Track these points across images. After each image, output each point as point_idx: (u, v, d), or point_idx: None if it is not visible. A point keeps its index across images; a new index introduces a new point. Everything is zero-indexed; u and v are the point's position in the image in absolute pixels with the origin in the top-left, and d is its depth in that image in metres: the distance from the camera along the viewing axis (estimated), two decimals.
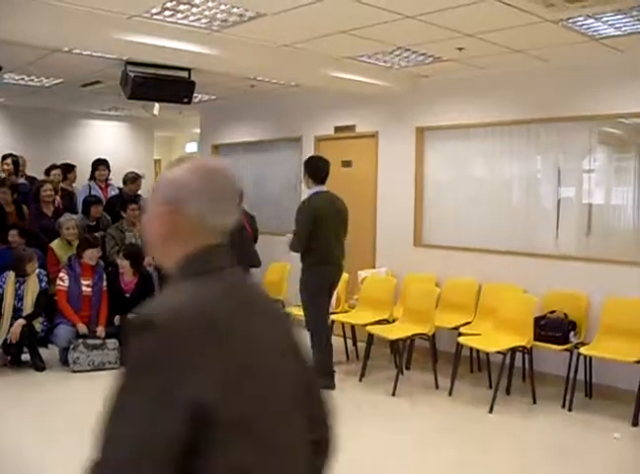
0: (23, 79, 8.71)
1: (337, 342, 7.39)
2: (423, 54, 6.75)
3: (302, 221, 6.34)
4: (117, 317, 7.25)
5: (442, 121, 7.74)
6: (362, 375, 6.71)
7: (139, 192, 9.46)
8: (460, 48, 6.38)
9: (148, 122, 12.97)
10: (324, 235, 6.35)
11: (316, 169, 6.58)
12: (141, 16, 5.51)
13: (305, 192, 7.02)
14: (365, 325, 6.84)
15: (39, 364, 6.97)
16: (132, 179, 9.27)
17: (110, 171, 9.46)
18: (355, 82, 7.49)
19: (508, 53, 6.47)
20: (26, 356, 7.10)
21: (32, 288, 7.08)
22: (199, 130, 11.96)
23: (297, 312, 6.42)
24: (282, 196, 9.47)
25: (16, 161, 9.10)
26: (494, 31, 5.70)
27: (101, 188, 9.26)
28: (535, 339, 6.14)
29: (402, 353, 6.72)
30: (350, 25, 5.68)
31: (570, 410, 5.93)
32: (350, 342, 7.70)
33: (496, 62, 6.88)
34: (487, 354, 6.55)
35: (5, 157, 9.08)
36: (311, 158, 6.88)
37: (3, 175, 8.85)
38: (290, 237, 6.40)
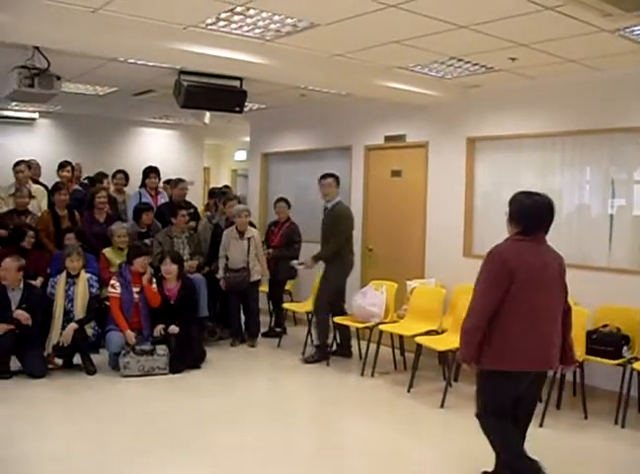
0: (78, 88, 8.88)
1: (385, 352, 7.41)
2: (475, 64, 6.73)
3: (346, 226, 7.70)
4: (159, 328, 7.28)
5: (493, 132, 7.68)
6: (411, 386, 6.67)
7: (187, 197, 9.57)
8: (513, 58, 6.34)
9: (198, 131, 13.14)
10: (351, 239, 7.82)
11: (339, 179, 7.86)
12: (196, 26, 5.60)
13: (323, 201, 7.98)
14: (414, 336, 6.79)
15: (90, 368, 7.06)
16: (175, 183, 9.37)
17: (160, 179, 9.57)
18: (406, 92, 7.50)
19: (561, 63, 6.41)
20: (77, 360, 7.20)
21: (82, 292, 7.17)
22: (247, 139, 12.06)
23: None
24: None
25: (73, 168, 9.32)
26: (548, 40, 5.66)
27: (151, 195, 9.36)
28: (587, 353, 6.04)
29: (451, 364, 6.66)
30: (403, 35, 5.69)
31: (623, 426, 5.81)
32: (398, 352, 7.66)
33: (548, 72, 6.83)
34: None
35: (64, 165, 9.26)
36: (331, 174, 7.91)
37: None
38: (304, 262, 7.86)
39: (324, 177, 7.89)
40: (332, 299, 7.86)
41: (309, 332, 8.22)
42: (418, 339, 6.68)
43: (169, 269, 7.49)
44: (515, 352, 4.05)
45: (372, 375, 7.22)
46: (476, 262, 7.50)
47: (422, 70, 7.10)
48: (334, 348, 7.96)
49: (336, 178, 7.90)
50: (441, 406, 6.18)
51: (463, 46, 6.03)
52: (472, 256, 7.82)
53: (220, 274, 8.39)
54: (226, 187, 10.19)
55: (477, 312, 4.10)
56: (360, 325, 7.48)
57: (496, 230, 7.56)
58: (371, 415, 6.11)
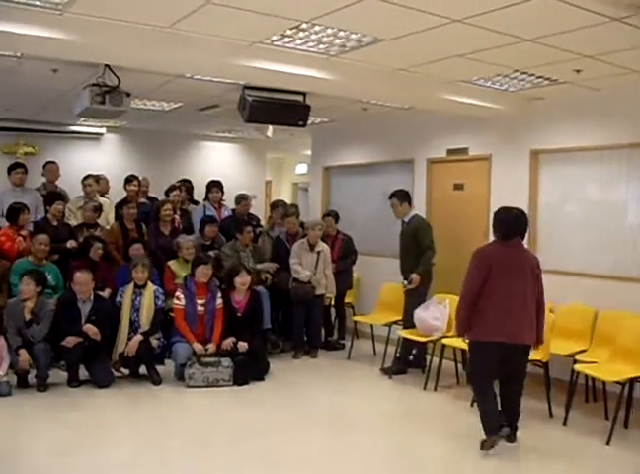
0: (145, 104, 9.08)
1: (447, 365, 7.38)
2: (539, 77, 6.68)
3: (431, 236, 7.78)
4: (228, 341, 7.37)
5: (557, 144, 7.59)
6: (474, 400, 6.61)
7: (250, 211, 9.70)
8: (578, 70, 6.28)
9: (260, 144, 13.26)
10: None
11: (409, 195, 7.99)
12: (262, 42, 5.68)
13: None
14: None
15: (155, 378, 7.19)
16: (237, 200, 9.50)
17: (223, 193, 9.69)
18: (468, 105, 7.48)
19: (626, 74, 6.34)
20: (143, 370, 7.34)
21: (148, 303, 7.31)
22: (309, 152, 12.14)
23: None
24: (392, 217, 9.34)
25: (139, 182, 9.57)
26: (614, 52, 5.61)
27: (215, 208, 9.51)
28: None
29: None
30: (467, 49, 5.70)
31: None
32: (460, 366, 7.62)
33: (613, 84, 6.74)
34: (604, 383, 6.36)
35: (131, 179, 9.48)
36: (401, 189, 8.11)
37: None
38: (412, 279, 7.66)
39: (389, 198, 8.05)
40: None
41: (379, 343, 8.19)
42: None
43: (245, 280, 7.59)
44: (490, 327, 5.30)
45: (435, 389, 7.19)
46: (542, 276, 7.50)
47: (485, 83, 7.08)
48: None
49: (399, 196, 7.97)
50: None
51: (528, 59, 6.00)
52: None
53: (302, 276, 8.51)
54: (281, 202, 10.26)
55: (465, 294, 5.44)
56: (423, 338, 7.46)
57: (560, 243, 7.57)
58: (434, 429, 6.07)
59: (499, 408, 5.50)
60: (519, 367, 5.56)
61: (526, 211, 7.64)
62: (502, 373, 5.54)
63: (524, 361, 5.61)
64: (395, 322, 8.26)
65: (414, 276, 7.65)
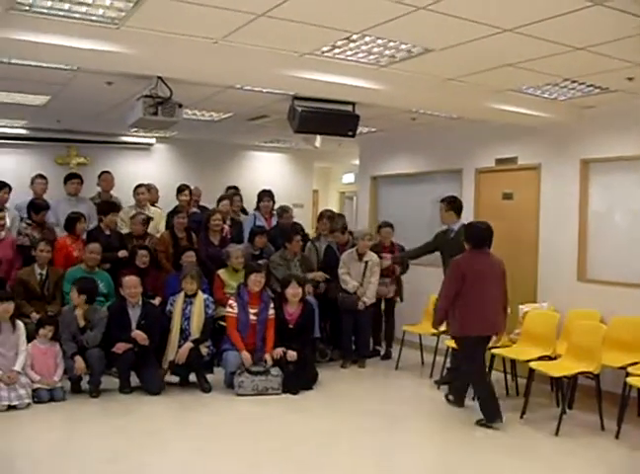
0: (195, 114, 9.21)
1: (496, 376, 7.32)
2: (590, 86, 6.64)
3: None
4: (278, 350, 7.39)
5: (608, 153, 7.50)
6: (524, 412, 6.56)
7: (298, 220, 9.76)
8: (630, 78, 6.21)
9: (308, 154, 13.34)
10: None
11: (461, 206, 7.94)
12: (312, 53, 5.74)
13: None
14: (527, 361, 6.69)
15: (205, 386, 7.26)
16: (279, 213, 9.54)
17: (274, 202, 9.77)
18: (518, 114, 7.45)
19: None
20: (193, 377, 7.42)
21: (198, 312, 7.39)
22: (356, 162, 12.17)
23: None
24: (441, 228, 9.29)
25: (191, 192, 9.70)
26: None
27: (265, 218, 9.58)
28: None
29: (566, 391, 6.52)
30: (517, 58, 5.69)
31: None
32: (509, 377, 7.56)
33: None
34: None
35: (182, 189, 9.60)
36: (455, 197, 8.06)
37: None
38: None
39: (440, 201, 8.01)
40: None
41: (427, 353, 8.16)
42: (532, 364, 6.57)
43: (296, 291, 7.63)
44: (468, 323, 6.31)
45: None
46: (591, 286, 7.45)
47: (534, 92, 7.05)
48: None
49: (447, 202, 7.92)
50: (556, 434, 6.05)
51: (579, 68, 5.97)
52: (587, 280, 7.65)
53: (349, 287, 8.56)
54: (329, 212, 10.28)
55: (443, 298, 6.47)
56: None
57: (610, 254, 7.47)
58: (484, 441, 6.04)
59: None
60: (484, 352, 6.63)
61: (576, 221, 7.70)
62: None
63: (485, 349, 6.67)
64: (444, 332, 8.22)
65: None
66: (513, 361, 7.46)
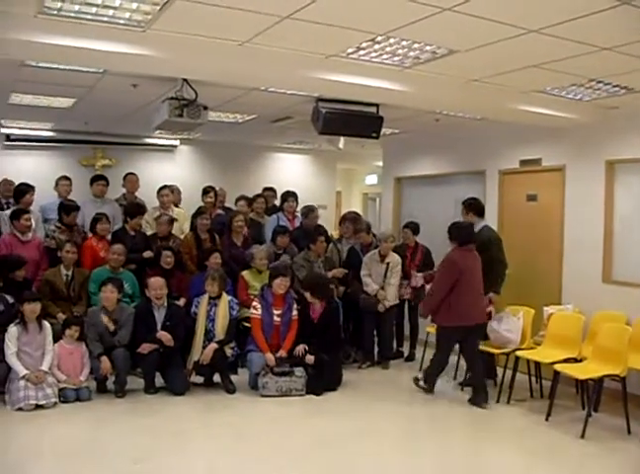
0: (219, 116, 9.25)
1: (521, 378, 7.30)
2: (615, 86, 6.58)
3: (497, 249, 7.66)
4: (300, 348, 7.42)
5: (634, 154, 7.42)
6: (549, 414, 6.53)
7: (321, 222, 9.78)
8: None
9: (331, 155, 13.35)
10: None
11: (481, 207, 7.95)
12: (337, 55, 5.75)
13: None
14: (552, 363, 6.66)
15: (229, 387, 7.30)
16: (304, 212, 9.56)
17: (298, 203, 9.79)
18: (542, 115, 7.41)
19: None
20: (217, 378, 7.46)
21: (222, 313, 7.42)
22: (379, 163, 12.16)
23: None
24: None
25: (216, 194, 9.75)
26: None
27: (289, 219, 9.60)
28: None
29: (592, 394, 6.48)
30: (543, 59, 5.66)
31: None
32: (534, 379, 7.52)
33: None
34: None
35: (207, 190, 9.65)
36: (474, 199, 8.05)
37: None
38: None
39: (462, 203, 8.01)
40: None
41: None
42: (557, 366, 6.54)
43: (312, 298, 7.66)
44: (459, 313, 6.92)
45: (508, 402, 7.11)
46: (617, 288, 7.40)
47: (559, 93, 7.01)
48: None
49: (466, 204, 7.93)
50: (582, 436, 6.01)
51: (605, 68, 5.92)
52: (612, 282, 7.59)
53: (370, 289, 8.57)
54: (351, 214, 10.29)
55: (438, 291, 7.06)
56: (497, 350, 7.40)
57: (637, 255, 7.41)
58: (509, 443, 6.03)
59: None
60: (475, 343, 7.24)
61: (602, 222, 7.65)
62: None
63: (480, 337, 7.31)
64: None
65: (493, 297, 7.59)
66: (537, 364, 7.42)
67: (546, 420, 6.50)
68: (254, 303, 7.53)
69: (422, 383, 7.50)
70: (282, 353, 7.39)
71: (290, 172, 13.29)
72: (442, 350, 7.30)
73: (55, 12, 4.73)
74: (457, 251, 7.07)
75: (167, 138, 11.96)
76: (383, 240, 8.64)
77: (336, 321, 7.87)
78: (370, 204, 16.93)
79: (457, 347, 7.66)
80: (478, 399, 7.02)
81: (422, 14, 4.60)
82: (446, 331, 7.13)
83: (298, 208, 9.83)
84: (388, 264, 8.60)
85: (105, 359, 6.90)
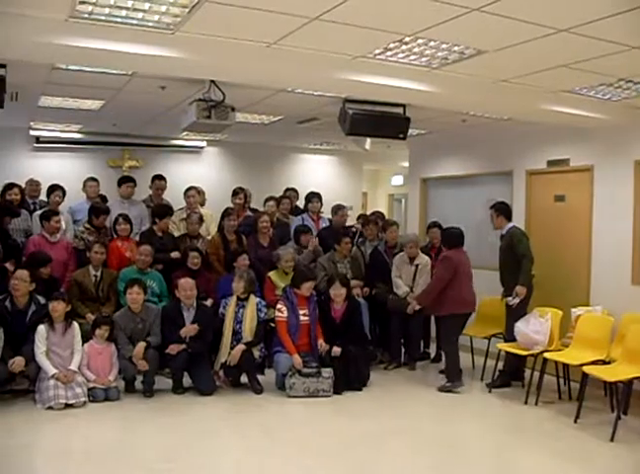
0: (246, 117, 9.27)
1: (549, 380, 7.27)
2: None
3: (526, 246, 7.71)
4: (324, 346, 7.46)
5: None
6: (577, 417, 6.48)
7: (347, 223, 9.80)
8: None
9: (357, 156, 13.35)
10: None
11: (509, 210, 8.11)
12: (365, 56, 5.75)
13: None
14: (581, 365, 6.60)
15: (256, 387, 7.32)
16: (334, 210, 9.61)
17: (322, 204, 9.81)
18: (570, 115, 7.35)
19: None
20: (244, 379, 7.49)
21: (250, 315, 7.45)
22: (404, 163, 12.14)
23: None
24: (490, 230, 9.06)
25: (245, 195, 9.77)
26: None
27: (313, 220, 9.62)
28: None
29: (621, 396, 6.42)
30: (572, 58, 5.62)
31: None
32: (562, 381, 7.48)
33: None
34: None
35: (237, 192, 9.67)
36: (504, 203, 8.22)
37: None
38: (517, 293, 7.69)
39: (490, 208, 8.12)
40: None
41: (477, 356, 8.12)
42: (585, 368, 6.49)
43: (338, 292, 7.68)
44: (459, 303, 7.67)
45: (536, 404, 7.06)
46: None
47: (588, 93, 6.95)
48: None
49: (496, 208, 8.00)
50: (611, 439, 5.94)
51: (635, 67, 5.85)
52: None
53: (400, 292, 8.60)
54: (377, 214, 10.30)
55: (436, 285, 7.76)
56: (524, 352, 7.36)
57: None
58: (537, 445, 5.99)
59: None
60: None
61: (630, 223, 7.58)
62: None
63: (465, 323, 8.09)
64: (494, 335, 8.19)
65: (519, 289, 7.55)
66: (565, 365, 7.37)
67: (575, 422, 6.45)
68: (278, 306, 7.55)
69: (448, 385, 7.51)
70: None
71: (316, 173, 13.31)
72: (450, 341, 7.82)
73: (86, 15, 4.77)
74: (452, 252, 7.76)
75: (194, 140, 12.01)
76: (406, 245, 8.64)
77: (359, 317, 7.95)
78: (396, 205, 16.89)
79: (471, 345, 8.29)
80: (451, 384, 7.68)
81: (450, 14, 4.59)
82: (454, 319, 7.72)
83: (325, 209, 9.84)
84: (417, 265, 8.59)
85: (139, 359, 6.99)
